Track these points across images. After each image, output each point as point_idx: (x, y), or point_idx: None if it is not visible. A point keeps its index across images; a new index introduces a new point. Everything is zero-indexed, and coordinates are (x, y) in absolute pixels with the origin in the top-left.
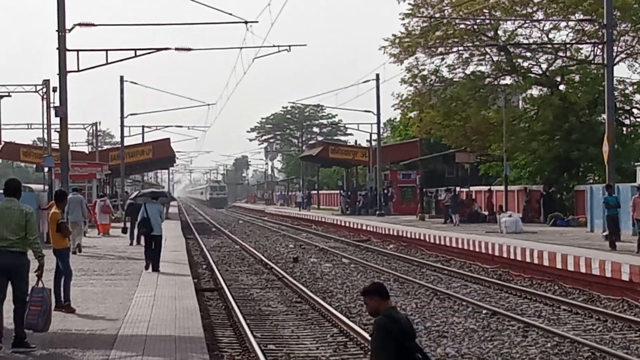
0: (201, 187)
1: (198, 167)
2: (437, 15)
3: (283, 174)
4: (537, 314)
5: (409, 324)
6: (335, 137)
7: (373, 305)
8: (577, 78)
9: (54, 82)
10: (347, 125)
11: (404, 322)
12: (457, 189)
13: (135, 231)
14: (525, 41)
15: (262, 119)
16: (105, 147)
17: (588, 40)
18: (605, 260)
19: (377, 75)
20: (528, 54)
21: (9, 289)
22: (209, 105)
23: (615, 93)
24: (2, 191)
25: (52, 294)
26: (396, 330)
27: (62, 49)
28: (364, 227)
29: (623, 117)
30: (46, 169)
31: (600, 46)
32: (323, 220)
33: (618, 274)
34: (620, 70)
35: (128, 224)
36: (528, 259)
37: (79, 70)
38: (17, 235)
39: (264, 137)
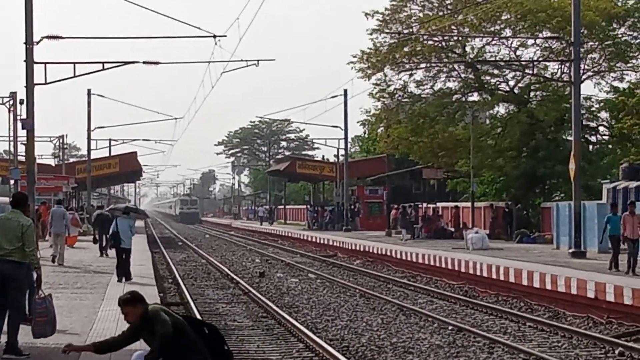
0: (170, 201)
1: (165, 181)
2: (406, 31)
3: (250, 189)
4: (503, 330)
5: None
6: (303, 152)
7: (138, 312)
8: (544, 95)
9: (21, 94)
10: (314, 140)
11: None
12: (425, 204)
13: (105, 243)
14: (493, 58)
15: (230, 132)
16: (71, 160)
17: (555, 58)
18: (571, 277)
19: (345, 90)
20: (496, 71)
21: None
22: (176, 119)
23: (582, 111)
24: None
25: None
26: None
27: (29, 62)
28: (331, 243)
29: (589, 134)
30: (12, 182)
31: (567, 64)
32: (290, 235)
33: (584, 291)
34: (587, 88)
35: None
36: (494, 276)
37: (46, 83)
38: (13, 246)
39: (231, 151)
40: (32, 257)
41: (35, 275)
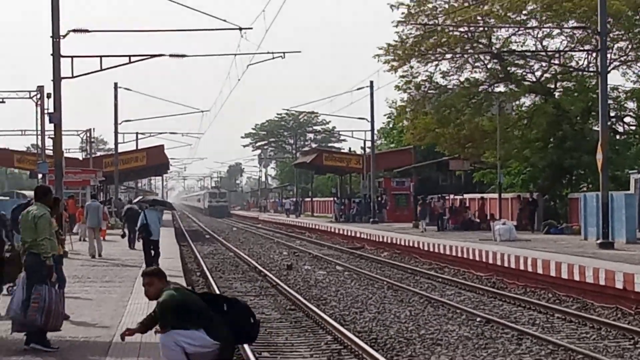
0: (198, 194)
1: (192, 174)
2: (431, 22)
3: (277, 181)
4: (531, 321)
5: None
6: (330, 144)
7: (159, 287)
8: (570, 86)
9: (48, 88)
10: (341, 132)
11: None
12: (452, 196)
13: (133, 235)
14: (519, 48)
15: (256, 125)
16: (99, 153)
17: (582, 48)
18: (599, 268)
19: (371, 82)
20: (522, 62)
21: None
22: (203, 111)
23: (609, 101)
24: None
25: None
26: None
27: (56, 55)
28: (358, 235)
29: (616, 124)
30: (40, 176)
31: (593, 54)
32: (317, 227)
33: (612, 282)
34: (614, 78)
35: (126, 230)
36: (522, 267)
37: (73, 77)
38: (31, 238)
39: (258, 144)
40: (41, 246)
41: (46, 266)
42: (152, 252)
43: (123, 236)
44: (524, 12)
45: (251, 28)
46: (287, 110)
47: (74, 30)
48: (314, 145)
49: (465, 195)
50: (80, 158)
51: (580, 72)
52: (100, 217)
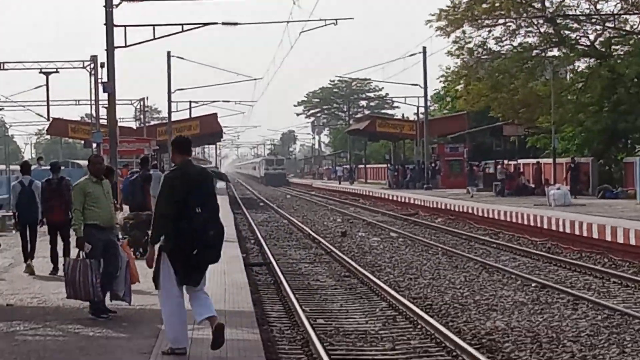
0: (253, 162)
1: (245, 142)
2: None
3: (330, 148)
4: (587, 286)
5: (202, 174)
6: (382, 111)
7: (175, 159)
8: (625, 49)
9: (102, 57)
10: (394, 99)
11: (193, 173)
12: (506, 161)
13: None
14: (573, 12)
15: (309, 93)
16: (152, 122)
17: (636, 11)
18: None
19: (424, 48)
20: (576, 25)
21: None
22: (255, 79)
23: None
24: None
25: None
26: (180, 181)
27: (109, 25)
28: (412, 201)
29: None
30: (94, 145)
31: None
32: (370, 194)
33: None
34: None
35: None
36: (577, 232)
37: (126, 46)
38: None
39: (311, 112)
40: (72, 217)
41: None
42: None
43: None
44: None
45: None
46: (340, 77)
47: (127, 0)
48: (367, 112)
49: (521, 161)
50: (134, 127)
51: (635, 36)
52: None
